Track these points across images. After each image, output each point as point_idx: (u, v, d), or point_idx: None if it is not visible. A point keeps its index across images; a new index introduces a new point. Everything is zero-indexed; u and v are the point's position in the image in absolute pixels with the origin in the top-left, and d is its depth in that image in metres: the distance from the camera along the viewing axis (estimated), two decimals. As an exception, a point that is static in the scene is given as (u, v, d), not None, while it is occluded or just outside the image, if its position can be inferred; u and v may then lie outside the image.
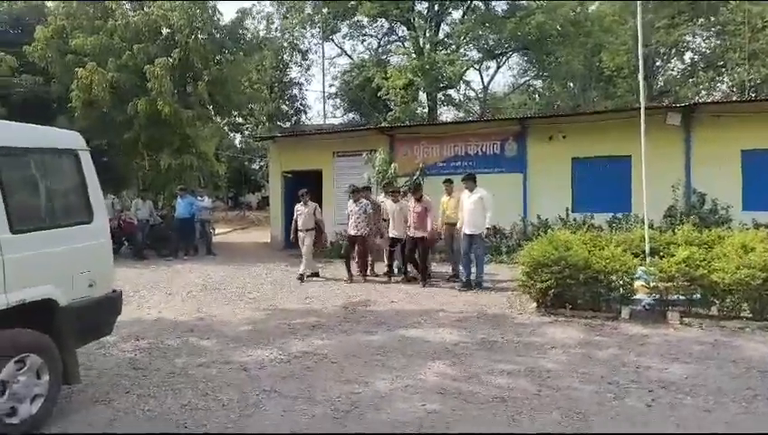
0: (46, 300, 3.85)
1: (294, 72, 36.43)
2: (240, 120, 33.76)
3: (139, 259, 13.50)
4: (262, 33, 33.42)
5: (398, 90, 24.77)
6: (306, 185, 15.45)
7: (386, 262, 10.52)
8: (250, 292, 9.31)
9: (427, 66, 24.63)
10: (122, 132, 14.54)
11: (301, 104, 37.33)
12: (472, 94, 31.94)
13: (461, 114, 31.16)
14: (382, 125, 17.10)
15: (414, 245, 9.68)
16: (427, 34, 27.50)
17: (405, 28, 28.84)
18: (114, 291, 4.60)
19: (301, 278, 10.29)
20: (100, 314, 4.37)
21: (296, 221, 10.72)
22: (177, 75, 14.93)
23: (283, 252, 14.63)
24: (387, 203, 10.37)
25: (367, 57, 30.34)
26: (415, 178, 13.23)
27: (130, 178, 17.44)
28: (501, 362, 5.45)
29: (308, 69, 35.98)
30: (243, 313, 7.79)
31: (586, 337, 6.27)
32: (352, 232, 10.21)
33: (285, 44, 34.59)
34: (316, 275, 10.70)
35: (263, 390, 4.72)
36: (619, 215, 11.78)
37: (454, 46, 28.06)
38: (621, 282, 7.09)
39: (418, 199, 9.65)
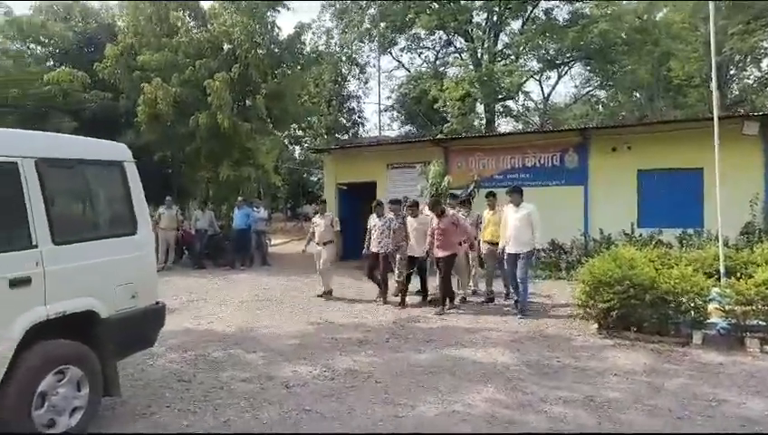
0: (87, 312, 3.84)
1: (353, 86, 36.85)
2: (300, 132, 34.45)
3: (197, 268, 13.80)
4: (321, 48, 34.36)
5: (454, 101, 24.48)
6: (360, 197, 15.56)
7: (398, 281, 9.12)
8: (300, 304, 9.25)
9: (485, 77, 24.24)
10: (185, 145, 14.98)
11: (358, 117, 37.64)
12: (531, 105, 31.21)
13: (520, 126, 30.47)
14: (437, 137, 16.82)
15: (439, 265, 8.63)
16: (486, 45, 27.12)
17: (462, 40, 28.58)
18: (158, 303, 4.57)
19: (325, 295, 9.76)
20: (142, 325, 4.35)
21: (312, 233, 10.05)
22: (237, 89, 15.26)
23: (336, 263, 14.55)
24: (408, 220, 9.32)
25: (424, 70, 30.23)
26: (469, 190, 12.89)
27: (193, 189, 17.95)
28: (557, 388, 5.07)
29: (366, 82, 36.30)
30: (292, 326, 7.70)
31: (652, 364, 5.77)
32: (374, 249, 9.26)
33: (344, 58, 35.12)
34: (329, 293, 9.86)
35: (303, 409, 4.56)
36: (690, 231, 11.00)
37: (513, 57, 27.55)
38: (693, 304, 6.51)
39: (440, 215, 8.54)
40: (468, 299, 9.31)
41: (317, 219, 10.00)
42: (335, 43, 34.75)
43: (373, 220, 9.49)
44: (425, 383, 5.19)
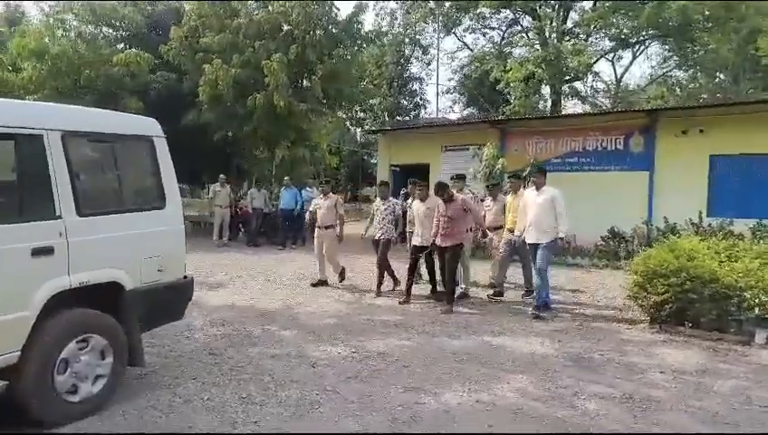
0: (112, 283, 3.92)
1: (415, 68, 36.48)
2: (361, 114, 34.55)
3: (252, 246, 14.11)
4: (384, 29, 34.12)
5: (517, 83, 23.67)
6: (413, 177, 15.38)
7: (406, 276, 8.14)
8: (343, 284, 9.24)
9: (552, 57, 23.24)
10: (243, 125, 15.29)
11: (420, 99, 37.26)
12: (601, 87, 29.73)
13: (587, 108, 29.14)
14: (493, 118, 16.33)
15: (442, 255, 7.63)
16: (554, 24, 25.97)
17: (530, 18, 27.50)
18: (185, 277, 4.62)
19: (321, 283, 8.99)
20: (168, 298, 4.41)
21: (313, 215, 9.27)
22: (295, 70, 15.37)
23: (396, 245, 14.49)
24: (414, 204, 8.28)
25: (487, 50, 29.39)
26: (525, 174, 12.42)
27: (251, 168, 18.36)
28: (595, 383, 4.77)
29: (428, 64, 35.84)
30: (331, 305, 7.69)
31: (706, 363, 5.33)
32: (376, 235, 8.53)
33: (407, 40, 34.73)
34: (324, 283, 9.03)
35: (324, 389, 4.51)
36: (766, 222, 10.13)
37: (583, 36, 26.27)
38: (757, 300, 5.96)
39: (447, 200, 7.47)
40: (470, 294, 8.29)
41: (319, 200, 9.22)
42: (398, 24, 34.54)
43: (376, 204, 8.74)
44: (454, 370, 5.02)
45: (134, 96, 15.19)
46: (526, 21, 28.11)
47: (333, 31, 15.99)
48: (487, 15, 28.82)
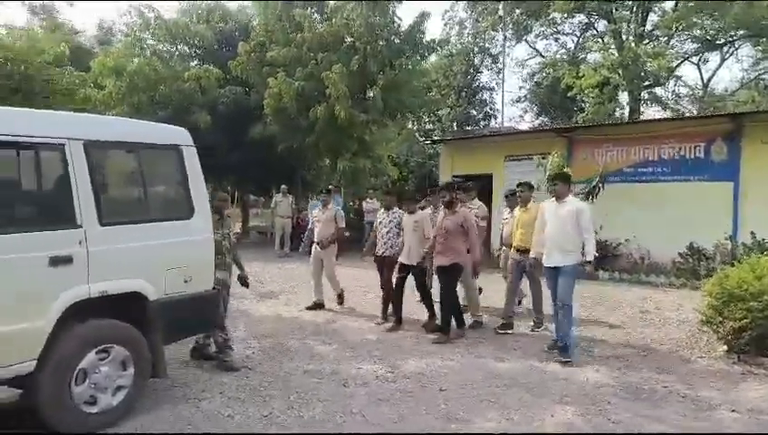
0: (134, 293, 3.88)
1: (485, 77, 35.80)
2: (429, 125, 34.27)
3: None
4: (453, 39, 33.78)
5: (591, 89, 22.61)
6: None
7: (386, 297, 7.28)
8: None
9: (629, 61, 22.03)
10: (306, 137, 15.43)
11: (490, 108, 36.50)
12: (684, 92, 27.88)
13: (669, 115, 27.38)
14: (559, 126, 15.60)
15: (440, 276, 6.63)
16: (631, 26, 24.67)
17: (605, 22, 26.28)
18: (215, 288, 4.54)
19: (317, 306, 8.04)
20: (195, 310, 4.33)
21: (311, 231, 8.28)
22: (357, 82, 15.37)
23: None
24: (404, 217, 7.10)
25: (560, 57, 28.38)
26: (593, 184, 11.72)
27: (314, 180, 18.53)
28: (652, 419, 4.24)
29: (498, 72, 35.05)
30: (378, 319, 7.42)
31: (791, 402, 4.64)
32: (379, 251, 7.28)
33: (476, 49, 34.21)
34: (321, 306, 8.07)
35: (350, 412, 4.27)
36: None
37: (664, 38, 24.78)
38: None
39: (448, 207, 6.58)
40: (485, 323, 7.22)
41: (317, 213, 8.15)
42: (467, 34, 34.08)
43: (380, 216, 7.52)
44: (493, 397, 4.64)
45: (204, 110, 15.71)
46: (601, 25, 26.92)
47: (396, 41, 15.89)
48: (559, 21, 27.87)
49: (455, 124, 34.43)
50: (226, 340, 5.50)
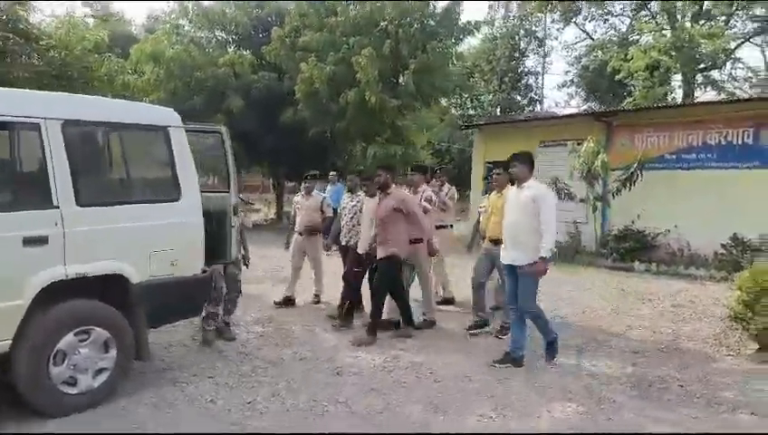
0: (115, 276, 3.84)
1: (531, 61, 34.77)
2: (471, 111, 33.63)
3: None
4: (499, 22, 32.93)
5: (640, 72, 21.55)
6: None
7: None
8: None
9: (683, 43, 20.85)
10: (337, 122, 15.34)
11: (536, 93, 35.46)
12: (743, 75, 26.22)
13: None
14: (596, 110, 14.92)
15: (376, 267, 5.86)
16: (687, 6, 23.31)
17: (659, 0, 24.92)
18: (204, 271, 4.48)
19: (287, 302, 7.11)
20: (182, 294, 4.27)
21: (293, 218, 7.41)
22: (390, 66, 15.13)
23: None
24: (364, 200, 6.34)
25: (609, 39, 27.17)
26: (631, 171, 11.14)
27: (345, 166, 18.45)
28: (657, 420, 3.93)
29: (545, 56, 33.97)
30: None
31: (820, 408, 4.21)
32: (343, 240, 6.62)
33: (522, 32, 33.23)
34: (291, 302, 7.17)
35: (337, 400, 4.14)
36: None
37: (723, 17, 23.33)
38: None
39: (382, 191, 5.77)
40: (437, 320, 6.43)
41: (299, 199, 7.32)
42: (513, 16, 33.14)
43: (344, 200, 6.79)
44: (489, 391, 4.41)
45: (238, 95, 15.84)
46: (655, 5, 25.56)
47: (431, 23, 15.54)
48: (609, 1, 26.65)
49: (498, 110, 33.67)
50: (227, 323, 5.53)
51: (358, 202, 6.48)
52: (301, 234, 7.21)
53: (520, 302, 4.98)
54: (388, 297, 5.92)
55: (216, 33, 18.63)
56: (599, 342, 5.85)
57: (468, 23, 15.48)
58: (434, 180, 7.53)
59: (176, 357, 5.07)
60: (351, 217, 6.50)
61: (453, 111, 32.16)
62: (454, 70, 16.87)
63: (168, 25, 18.03)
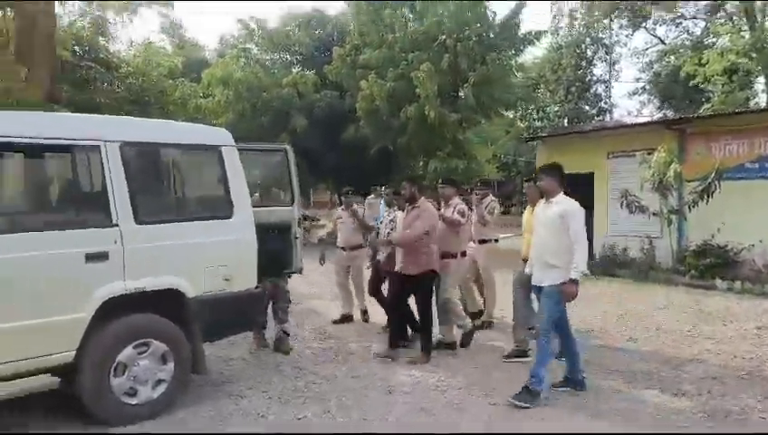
0: (171, 290, 3.97)
1: (599, 69, 33.67)
2: (537, 123, 32.91)
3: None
4: (563, 30, 32.12)
5: (718, 76, 20.37)
6: (577, 190, 13.95)
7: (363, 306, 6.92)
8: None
9: (764, 44, 19.54)
10: (397, 138, 15.44)
11: (605, 103, 34.25)
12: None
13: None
14: (668, 117, 14.17)
15: (401, 287, 5.60)
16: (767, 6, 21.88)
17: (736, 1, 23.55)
18: (257, 287, 4.55)
19: (345, 319, 7.05)
20: (235, 309, 4.36)
21: (335, 234, 7.24)
22: (449, 80, 15.10)
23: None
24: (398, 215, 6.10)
25: (681, 43, 25.91)
26: (708, 182, 10.45)
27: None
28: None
29: (613, 64, 32.84)
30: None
31: None
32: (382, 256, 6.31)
33: (588, 40, 32.29)
34: (350, 319, 7.08)
35: (387, 419, 4.07)
36: None
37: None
38: None
39: (410, 204, 5.54)
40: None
41: (342, 213, 7.10)
42: (579, 24, 32.27)
43: (382, 215, 6.74)
44: (548, 417, 4.19)
45: (301, 114, 16.29)
46: (731, 4, 24.17)
47: (491, 35, 15.41)
48: (682, 3, 25.45)
49: (565, 121, 32.78)
50: (286, 333, 5.67)
51: (394, 217, 6.28)
52: (344, 249, 7.11)
53: (540, 324, 4.56)
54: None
55: (281, 55, 19.26)
56: (672, 366, 5.46)
57: (529, 33, 15.23)
58: (474, 194, 7.33)
59: (235, 371, 5.18)
60: (388, 233, 6.25)
61: (519, 123, 31.63)
62: (515, 81, 16.62)
63: (235, 49, 18.82)
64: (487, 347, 6.06)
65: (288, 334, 5.80)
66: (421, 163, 16.69)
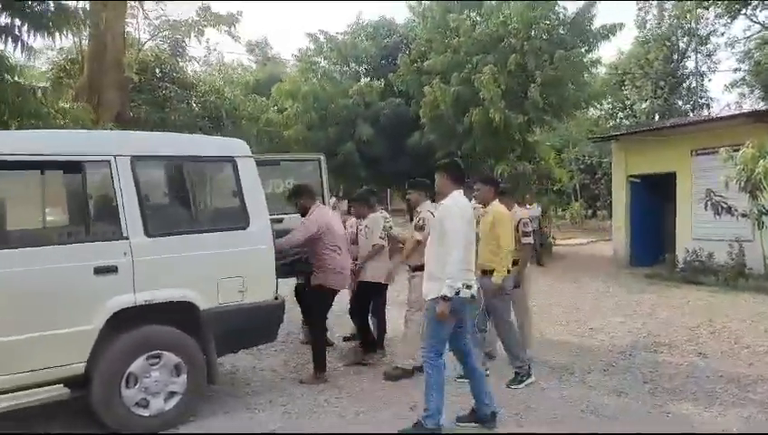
0: (184, 303, 3.99)
1: (692, 62, 31.24)
2: (625, 121, 31.08)
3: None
4: (650, 24, 30.14)
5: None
6: (657, 192, 12.94)
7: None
8: (552, 312, 8.03)
9: None
10: (463, 142, 15.10)
11: (700, 97, 31.70)
12: None
13: None
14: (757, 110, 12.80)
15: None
16: None
17: None
18: (276, 298, 4.49)
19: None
20: (252, 320, 4.31)
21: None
22: (516, 81, 14.57)
23: (626, 269, 12.55)
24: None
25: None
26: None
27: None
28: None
29: (709, 55, 30.37)
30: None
31: None
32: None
33: (680, 31, 30.08)
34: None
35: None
36: None
37: None
38: None
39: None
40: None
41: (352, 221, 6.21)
42: (669, 15, 30.15)
43: (349, 220, 6.25)
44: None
45: (367, 123, 16.36)
46: None
47: (561, 32, 14.69)
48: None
49: (656, 118, 30.70)
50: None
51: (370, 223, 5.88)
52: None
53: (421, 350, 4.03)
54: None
55: (349, 66, 19.50)
56: (740, 386, 4.82)
57: (603, 27, 14.35)
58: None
59: (263, 382, 5.15)
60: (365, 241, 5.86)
61: (603, 122, 30.02)
62: (592, 79, 15.74)
63: (304, 63, 19.29)
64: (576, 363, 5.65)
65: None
66: (487, 167, 16.15)
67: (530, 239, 5.45)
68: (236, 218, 4.31)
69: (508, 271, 4.86)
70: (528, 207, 13.71)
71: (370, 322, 6.02)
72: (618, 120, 31.13)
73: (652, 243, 12.77)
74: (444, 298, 3.66)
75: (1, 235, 3.67)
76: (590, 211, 31.95)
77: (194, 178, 4.26)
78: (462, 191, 4.02)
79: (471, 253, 3.93)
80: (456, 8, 15.76)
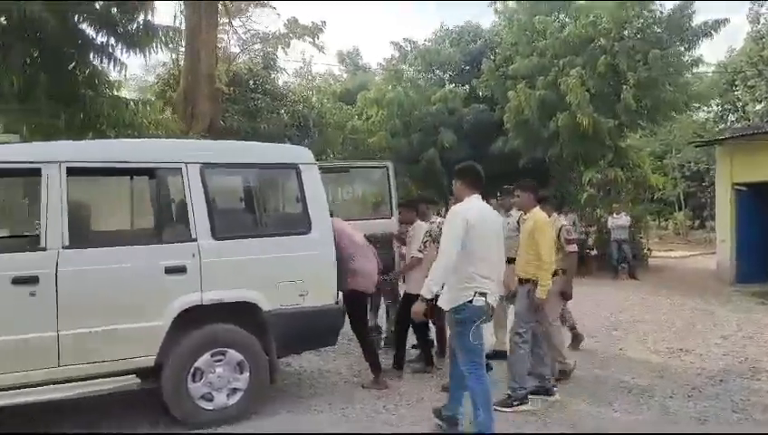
0: (247, 303, 4.16)
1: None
2: (737, 124, 28.68)
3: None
4: (764, 19, 27.55)
5: None
6: (765, 200, 11.76)
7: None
8: (638, 329, 7.61)
9: None
10: (549, 148, 14.62)
11: (828, 96, 28.50)
12: None
13: None
14: None
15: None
16: None
17: None
18: (337, 303, 4.58)
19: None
20: (311, 323, 4.40)
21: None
22: (608, 83, 13.90)
23: (731, 287, 11.50)
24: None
25: None
26: None
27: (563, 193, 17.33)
28: None
29: (838, 48, 27.22)
30: (611, 359, 6.16)
31: None
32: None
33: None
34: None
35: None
36: None
37: None
38: None
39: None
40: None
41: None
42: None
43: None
44: None
45: (450, 129, 16.26)
46: None
47: (657, 30, 13.83)
48: None
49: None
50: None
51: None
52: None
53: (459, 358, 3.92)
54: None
55: (434, 73, 19.50)
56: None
57: (704, 23, 13.33)
58: (495, 201, 6.48)
59: (327, 384, 5.24)
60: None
61: (712, 125, 27.86)
62: (694, 79, 14.70)
63: (389, 72, 19.52)
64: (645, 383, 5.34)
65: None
66: (576, 174, 15.51)
67: (574, 247, 5.29)
68: (299, 223, 4.45)
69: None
70: (615, 216, 13.05)
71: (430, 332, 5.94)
72: (728, 124, 28.77)
73: (761, 258, 11.63)
74: (421, 298, 3.76)
75: (86, 235, 4.03)
76: (696, 222, 29.75)
77: (259, 184, 4.45)
78: (480, 196, 3.95)
79: (490, 261, 3.80)
80: (543, 9, 15.30)
